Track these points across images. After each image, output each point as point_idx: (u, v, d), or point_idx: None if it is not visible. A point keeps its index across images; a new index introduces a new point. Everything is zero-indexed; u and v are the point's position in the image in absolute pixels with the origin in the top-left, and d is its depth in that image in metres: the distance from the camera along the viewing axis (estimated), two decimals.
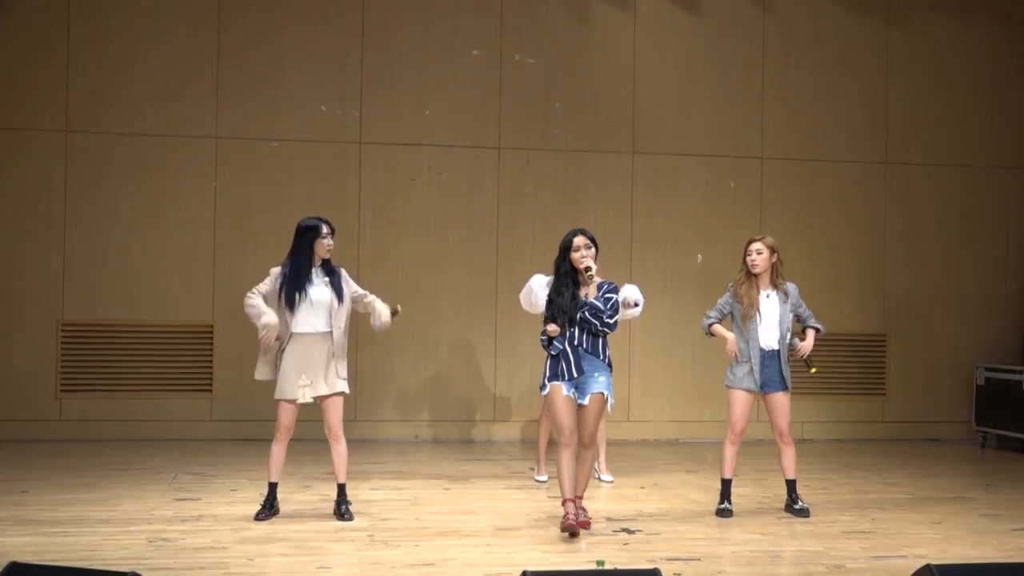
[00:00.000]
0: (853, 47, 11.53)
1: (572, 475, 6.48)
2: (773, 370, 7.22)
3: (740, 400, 7.20)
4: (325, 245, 6.85)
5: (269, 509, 6.89)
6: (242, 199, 10.53)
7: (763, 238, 7.35)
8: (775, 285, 7.28)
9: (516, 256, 10.74)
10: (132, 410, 10.27)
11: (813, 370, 7.47)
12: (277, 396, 6.84)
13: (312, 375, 6.80)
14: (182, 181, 10.44)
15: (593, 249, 6.51)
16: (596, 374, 6.46)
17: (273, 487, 6.95)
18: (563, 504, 6.54)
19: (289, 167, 10.59)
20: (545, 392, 6.53)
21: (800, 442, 10.91)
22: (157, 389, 10.32)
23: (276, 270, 6.90)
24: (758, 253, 7.25)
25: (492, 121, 10.93)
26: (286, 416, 6.87)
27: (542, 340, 6.53)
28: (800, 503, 7.29)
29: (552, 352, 6.49)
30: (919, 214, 11.62)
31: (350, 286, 6.96)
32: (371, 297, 7.06)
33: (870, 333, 11.50)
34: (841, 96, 11.50)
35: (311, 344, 6.79)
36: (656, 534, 6.66)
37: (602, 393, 6.46)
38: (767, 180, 11.35)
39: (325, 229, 6.86)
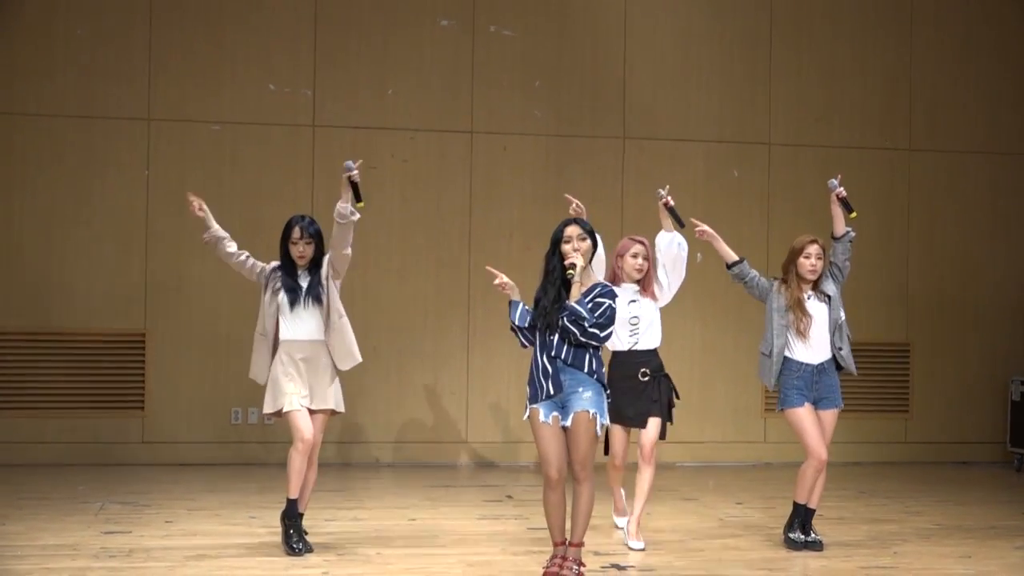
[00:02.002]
0: (872, 21, 11.59)
1: (560, 517, 6.12)
2: (829, 381, 7.26)
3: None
4: (296, 252, 6.95)
5: (295, 536, 6.92)
6: (178, 189, 10.40)
7: (818, 239, 7.39)
8: (820, 290, 7.38)
9: (491, 255, 10.69)
10: (51, 431, 10.20)
11: (854, 214, 7.52)
12: (278, 408, 6.87)
13: (302, 384, 6.87)
14: (109, 169, 10.39)
15: (588, 242, 6.24)
16: (580, 389, 6.04)
17: (292, 505, 6.95)
18: (554, 546, 6.23)
19: (232, 153, 10.56)
20: (525, 417, 6.25)
21: None
22: (80, 407, 10.26)
23: (271, 266, 7.05)
24: (818, 257, 7.33)
25: (463, 102, 10.93)
26: (303, 424, 6.85)
27: (511, 312, 6.26)
28: (810, 535, 7.31)
29: (518, 326, 6.21)
30: (946, 208, 11.69)
31: (330, 269, 6.97)
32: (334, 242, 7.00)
33: (891, 343, 11.56)
34: (858, 75, 11.56)
35: (298, 351, 6.90)
36: (650, 570, 6.67)
37: (587, 411, 6.01)
38: (775, 169, 11.40)
39: (296, 232, 6.95)
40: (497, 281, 6.35)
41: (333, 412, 7.04)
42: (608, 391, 6.19)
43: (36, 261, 10.23)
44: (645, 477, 7.32)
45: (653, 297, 7.44)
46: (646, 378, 7.31)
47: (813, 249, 7.37)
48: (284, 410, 6.88)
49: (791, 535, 7.27)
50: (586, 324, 6.04)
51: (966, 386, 11.62)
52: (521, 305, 6.27)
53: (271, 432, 10.41)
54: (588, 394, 6.04)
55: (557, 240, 6.27)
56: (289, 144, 10.64)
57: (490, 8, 10.96)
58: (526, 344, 6.27)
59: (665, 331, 7.58)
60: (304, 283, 6.95)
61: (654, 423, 7.32)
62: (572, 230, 6.24)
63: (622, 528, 7.54)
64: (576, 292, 6.15)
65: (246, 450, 10.44)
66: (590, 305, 6.08)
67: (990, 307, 11.72)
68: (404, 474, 10.25)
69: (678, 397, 7.52)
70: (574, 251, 6.16)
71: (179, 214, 10.40)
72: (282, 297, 6.92)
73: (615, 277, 7.37)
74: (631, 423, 7.36)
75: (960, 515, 8.64)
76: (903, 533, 7.89)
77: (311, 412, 6.91)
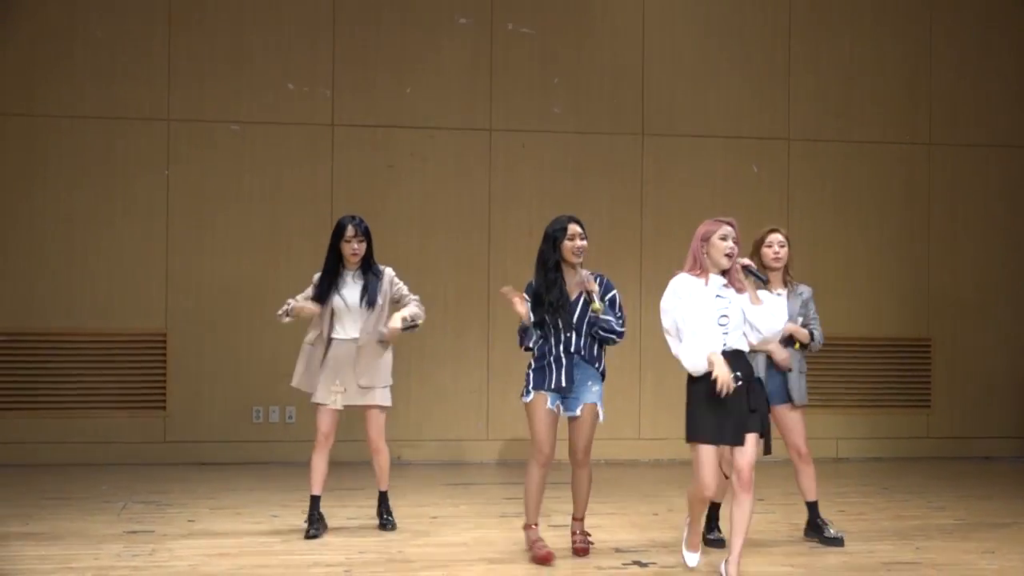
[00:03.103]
0: (892, 13, 11.54)
1: (539, 497, 6.63)
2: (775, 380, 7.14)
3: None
4: (349, 250, 7.26)
5: (315, 524, 7.28)
6: (198, 189, 10.52)
7: (779, 228, 7.34)
8: (785, 283, 7.28)
9: (510, 252, 10.74)
10: (74, 431, 10.26)
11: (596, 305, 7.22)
12: (313, 400, 7.36)
13: (346, 382, 7.29)
14: (130, 169, 10.43)
15: (586, 242, 6.67)
16: (589, 383, 6.57)
17: (315, 500, 7.35)
18: (525, 529, 6.72)
19: (252, 153, 10.59)
20: (528, 399, 6.58)
21: (835, 461, 10.97)
22: (102, 407, 10.31)
23: (317, 275, 7.41)
24: (780, 245, 7.25)
25: (482, 99, 10.93)
26: (324, 423, 7.32)
27: (527, 339, 6.57)
28: (830, 530, 7.28)
29: (534, 348, 6.56)
30: (967, 201, 11.64)
31: (391, 288, 7.40)
32: (407, 300, 7.44)
33: (913, 337, 11.51)
34: (878, 69, 11.51)
35: (348, 351, 7.29)
36: (671, 567, 6.65)
37: (595, 404, 6.60)
38: (795, 164, 11.36)
39: (350, 230, 7.28)
40: (520, 308, 6.55)
41: (381, 408, 7.37)
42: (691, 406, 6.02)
43: (57, 262, 10.28)
44: (745, 508, 6.05)
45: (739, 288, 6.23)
46: (739, 383, 5.98)
47: (776, 237, 7.24)
48: (312, 401, 7.35)
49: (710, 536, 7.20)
50: (618, 332, 6.60)
51: (988, 381, 11.57)
52: (536, 332, 6.57)
53: (293, 431, 10.44)
54: (596, 388, 6.59)
55: (554, 236, 6.59)
56: (308, 143, 10.66)
57: (508, 6, 10.95)
58: (531, 346, 6.62)
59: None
60: (358, 285, 7.30)
61: (752, 440, 6.04)
62: (575, 228, 6.61)
63: (693, 567, 6.46)
64: (599, 305, 6.54)
65: (268, 449, 10.47)
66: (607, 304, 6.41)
67: (1012, 301, 11.66)
68: (426, 472, 10.26)
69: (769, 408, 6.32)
70: (577, 248, 6.56)
71: (199, 214, 10.48)
72: (337, 298, 7.28)
73: (695, 264, 6.18)
74: (723, 440, 6.05)
75: (983, 510, 8.61)
76: (926, 528, 7.86)
77: (362, 408, 7.32)
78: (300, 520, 7.57)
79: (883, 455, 11.31)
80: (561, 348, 6.54)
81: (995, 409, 11.58)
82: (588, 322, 6.56)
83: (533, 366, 6.61)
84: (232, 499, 8.68)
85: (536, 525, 6.72)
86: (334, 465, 7.91)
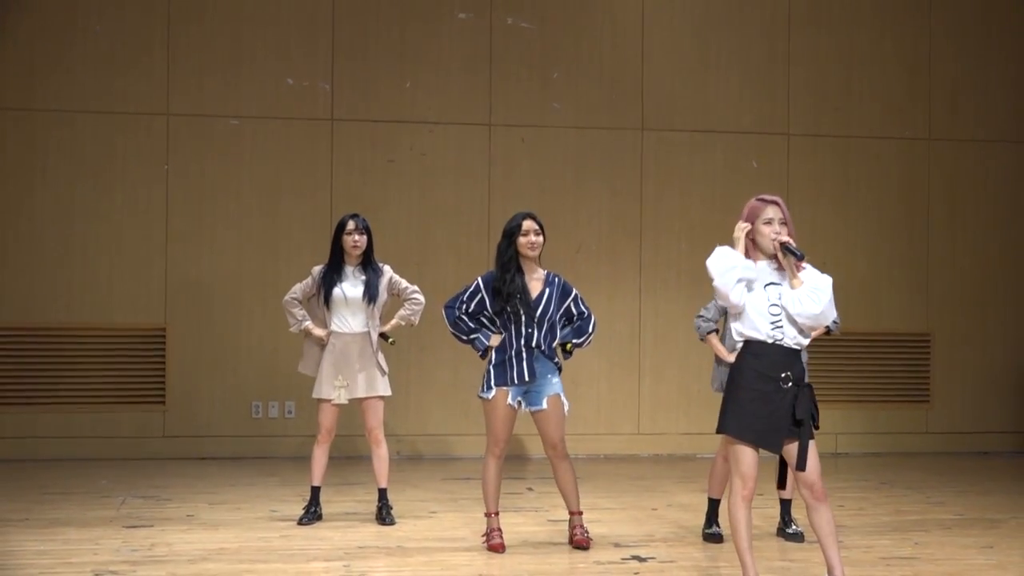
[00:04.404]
0: (890, 7, 11.52)
1: (498, 487, 6.85)
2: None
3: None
4: (350, 242, 7.44)
5: (311, 514, 7.52)
6: (197, 184, 10.51)
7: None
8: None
9: None
10: (73, 425, 10.26)
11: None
12: (314, 395, 7.56)
13: (348, 376, 7.47)
14: (129, 164, 10.42)
15: (542, 237, 6.83)
16: (549, 376, 6.76)
17: (315, 491, 7.57)
18: (487, 517, 6.88)
19: (251, 147, 10.58)
20: (489, 396, 6.73)
21: (834, 456, 10.97)
22: (102, 401, 10.30)
23: (318, 268, 7.59)
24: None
25: (482, 94, 10.92)
26: (326, 418, 7.54)
27: (478, 346, 6.79)
28: (793, 527, 7.29)
29: (490, 358, 6.78)
30: (967, 197, 11.63)
31: (392, 284, 7.62)
32: (413, 300, 7.73)
33: (912, 332, 11.51)
34: (877, 63, 11.50)
35: (348, 344, 7.49)
36: (671, 561, 6.65)
37: (559, 394, 6.76)
38: (794, 159, 11.35)
39: (351, 224, 7.47)
40: (495, 338, 6.79)
41: (382, 397, 7.57)
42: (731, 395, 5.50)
43: (57, 256, 10.28)
44: (825, 516, 5.53)
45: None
46: (788, 384, 5.40)
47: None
48: (314, 397, 7.56)
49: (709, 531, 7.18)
50: (590, 334, 6.95)
51: (987, 376, 11.57)
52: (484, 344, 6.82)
53: (292, 426, 10.44)
54: (556, 380, 6.78)
55: (511, 232, 6.79)
56: (307, 138, 10.65)
57: (507, 0, 10.93)
58: (482, 347, 6.82)
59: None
60: (359, 279, 7.49)
61: (811, 449, 5.45)
62: (530, 224, 6.77)
63: None
64: (538, 284, 6.78)
65: (267, 444, 10.47)
66: (571, 307, 6.87)
67: (1011, 297, 11.65)
68: (424, 468, 10.26)
69: (816, 424, 5.55)
70: (531, 244, 6.72)
71: (199, 208, 10.47)
72: (337, 291, 7.45)
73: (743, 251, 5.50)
74: (762, 443, 5.45)
75: (982, 505, 8.61)
76: (924, 524, 7.86)
77: (361, 400, 7.49)
78: (299, 513, 7.62)
79: (882, 450, 11.31)
80: (522, 342, 6.71)
81: (994, 404, 11.58)
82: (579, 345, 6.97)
83: (494, 361, 6.77)
84: (231, 494, 8.68)
85: (497, 513, 6.89)
86: (336, 460, 7.92)
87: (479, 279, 6.85)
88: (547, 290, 6.79)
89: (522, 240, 6.76)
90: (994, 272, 11.65)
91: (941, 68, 11.60)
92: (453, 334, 6.92)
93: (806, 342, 5.49)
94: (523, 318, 6.72)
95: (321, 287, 7.51)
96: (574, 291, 6.93)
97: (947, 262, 11.58)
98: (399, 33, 10.79)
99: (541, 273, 6.85)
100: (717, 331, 7.18)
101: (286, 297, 7.63)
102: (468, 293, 6.85)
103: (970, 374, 11.56)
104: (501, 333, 6.77)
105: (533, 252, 6.78)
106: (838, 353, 11.13)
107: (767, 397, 5.38)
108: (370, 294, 7.47)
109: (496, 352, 6.78)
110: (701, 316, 7.25)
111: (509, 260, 6.77)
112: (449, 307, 6.90)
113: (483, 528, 7.02)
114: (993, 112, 11.67)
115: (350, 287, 7.48)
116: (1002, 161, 11.68)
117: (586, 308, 6.95)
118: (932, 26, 11.58)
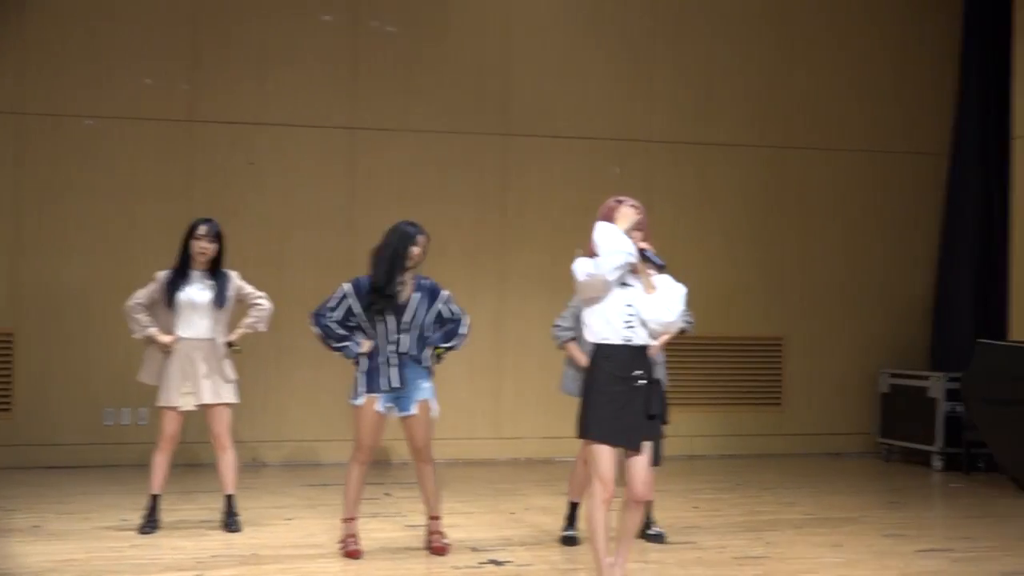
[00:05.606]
0: (752, 17, 11.72)
1: (360, 493, 6.83)
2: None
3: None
4: (198, 247, 7.31)
5: (153, 522, 7.34)
6: (49, 185, 10.17)
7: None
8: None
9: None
10: None
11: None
12: (160, 403, 7.35)
13: (195, 382, 7.30)
14: None
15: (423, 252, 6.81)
16: (419, 381, 6.76)
17: (155, 499, 7.37)
18: (344, 523, 6.84)
19: (107, 148, 10.28)
20: (359, 402, 6.70)
21: (690, 458, 11.12)
22: None
23: (163, 273, 7.43)
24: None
25: (345, 97, 10.80)
26: (169, 425, 7.34)
27: (349, 353, 6.72)
28: (655, 528, 7.37)
29: (359, 364, 6.73)
30: (821, 205, 11.90)
31: (238, 290, 7.49)
32: (258, 305, 7.57)
33: (766, 336, 11.73)
34: (737, 73, 11.68)
35: (194, 349, 7.33)
36: (527, 565, 6.66)
37: (428, 400, 6.77)
38: (655, 166, 11.46)
39: (201, 229, 7.36)
40: (366, 344, 6.73)
41: (229, 404, 7.42)
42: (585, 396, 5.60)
43: None
44: (635, 517, 5.67)
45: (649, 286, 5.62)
46: (642, 382, 5.51)
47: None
48: (158, 405, 7.38)
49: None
50: (463, 335, 6.94)
51: (837, 380, 11.85)
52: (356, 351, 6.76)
53: (146, 433, 10.12)
54: (427, 385, 6.78)
55: (410, 239, 6.69)
56: (165, 139, 10.40)
57: (372, 3, 10.84)
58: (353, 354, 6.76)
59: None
60: (206, 284, 7.35)
61: (649, 449, 5.57)
62: (423, 239, 6.74)
63: None
64: (409, 288, 6.71)
65: (118, 451, 10.16)
66: (445, 312, 6.80)
67: (860, 302, 11.95)
68: (282, 473, 10.11)
69: (665, 420, 5.68)
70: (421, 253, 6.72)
71: (51, 210, 10.13)
72: (183, 295, 7.31)
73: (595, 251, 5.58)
74: (619, 441, 5.52)
75: (832, 505, 8.81)
76: (777, 523, 8.01)
77: (208, 407, 7.33)
78: (138, 508, 7.51)
79: (736, 452, 11.49)
80: (392, 348, 6.69)
81: (843, 407, 11.86)
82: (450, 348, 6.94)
83: (363, 368, 6.72)
84: (81, 503, 8.42)
85: (355, 519, 6.85)
86: (181, 467, 7.73)
87: (345, 285, 6.75)
88: (416, 294, 6.74)
89: (414, 250, 6.69)
90: (847, 278, 11.93)
91: (798, 78, 11.85)
92: (324, 342, 6.80)
93: (655, 341, 5.65)
94: (392, 324, 6.66)
95: (166, 291, 7.34)
96: (443, 292, 6.86)
97: (800, 269, 11.84)
98: (260, 34, 10.60)
99: (408, 278, 6.76)
100: (575, 338, 7.21)
101: (128, 303, 7.42)
102: (334, 299, 6.76)
103: (821, 377, 11.82)
104: (372, 339, 6.67)
105: (416, 265, 6.75)
106: (693, 356, 11.28)
107: (622, 397, 5.47)
108: (218, 299, 7.35)
109: (366, 359, 6.71)
110: (558, 325, 7.34)
111: (401, 266, 6.66)
112: (318, 315, 6.78)
113: (337, 534, 6.93)
114: (847, 122, 11.96)
115: (197, 292, 7.34)
116: (856, 170, 11.97)
117: (458, 310, 6.89)
118: (791, 37, 11.82)
